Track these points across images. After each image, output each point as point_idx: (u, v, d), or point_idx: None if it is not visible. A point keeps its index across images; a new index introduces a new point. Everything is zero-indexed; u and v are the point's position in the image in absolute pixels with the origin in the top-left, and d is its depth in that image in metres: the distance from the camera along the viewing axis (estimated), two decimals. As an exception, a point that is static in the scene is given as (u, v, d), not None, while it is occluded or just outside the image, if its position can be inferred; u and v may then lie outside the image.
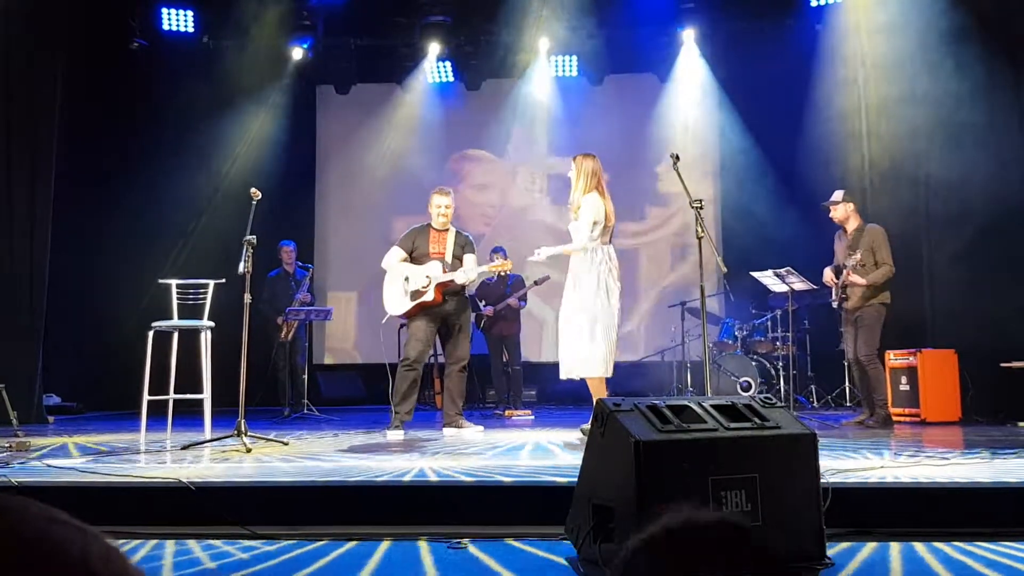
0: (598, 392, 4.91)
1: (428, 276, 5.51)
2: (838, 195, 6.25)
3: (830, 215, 6.25)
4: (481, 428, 5.74)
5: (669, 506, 0.88)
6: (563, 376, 5.08)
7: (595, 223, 5.02)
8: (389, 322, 5.91)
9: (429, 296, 5.49)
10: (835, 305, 6.23)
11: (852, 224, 6.19)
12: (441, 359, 7.11)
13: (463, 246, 5.74)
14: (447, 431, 5.56)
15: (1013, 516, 2.89)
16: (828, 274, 6.22)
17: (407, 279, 5.56)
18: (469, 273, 5.59)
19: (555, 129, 9.91)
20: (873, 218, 6.46)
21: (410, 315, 5.60)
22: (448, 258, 5.62)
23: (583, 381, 5.04)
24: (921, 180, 7.41)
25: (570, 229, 5.16)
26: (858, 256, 5.91)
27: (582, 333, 4.92)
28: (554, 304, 9.83)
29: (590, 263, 5.01)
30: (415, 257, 5.64)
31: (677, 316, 8.56)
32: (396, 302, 5.58)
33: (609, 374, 4.98)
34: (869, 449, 4.38)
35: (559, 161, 9.90)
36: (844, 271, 6.04)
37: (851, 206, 6.21)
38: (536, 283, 8.18)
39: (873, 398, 6.06)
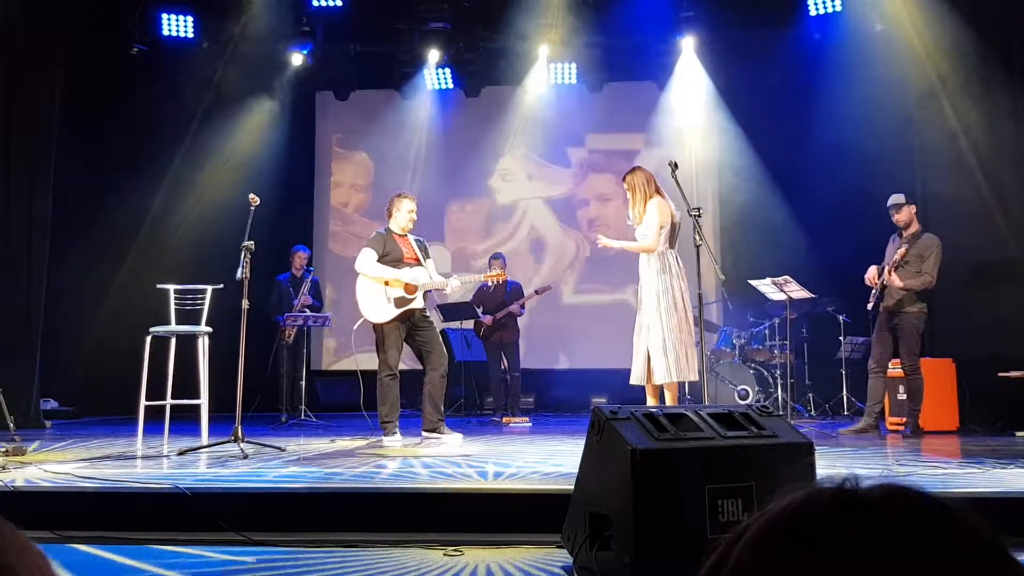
0: (670, 399, 4.90)
1: (416, 283, 5.45)
2: (900, 198, 6.07)
3: (894, 219, 6.08)
4: (461, 436, 5.57)
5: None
6: (633, 382, 5.03)
7: (661, 227, 4.96)
8: (361, 327, 5.67)
9: (418, 304, 5.44)
10: (869, 306, 6.09)
11: (912, 228, 6.04)
12: None
13: (424, 251, 5.70)
14: (427, 436, 5.44)
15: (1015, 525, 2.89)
16: (872, 272, 6.04)
17: (388, 284, 5.45)
18: (453, 283, 5.57)
19: (554, 136, 9.91)
20: (871, 229, 6.45)
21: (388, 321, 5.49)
22: (422, 263, 5.60)
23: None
24: (919, 191, 7.42)
25: (636, 236, 5.05)
26: (903, 250, 5.73)
27: (655, 341, 4.86)
28: (554, 310, 9.90)
29: (658, 270, 4.94)
30: (387, 262, 5.51)
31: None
32: (378, 309, 5.45)
33: (694, 377, 4.95)
34: (866, 458, 4.38)
35: (557, 168, 9.91)
36: (886, 268, 5.88)
37: (913, 208, 6.09)
38: (537, 292, 8.12)
39: (909, 407, 6.02)
